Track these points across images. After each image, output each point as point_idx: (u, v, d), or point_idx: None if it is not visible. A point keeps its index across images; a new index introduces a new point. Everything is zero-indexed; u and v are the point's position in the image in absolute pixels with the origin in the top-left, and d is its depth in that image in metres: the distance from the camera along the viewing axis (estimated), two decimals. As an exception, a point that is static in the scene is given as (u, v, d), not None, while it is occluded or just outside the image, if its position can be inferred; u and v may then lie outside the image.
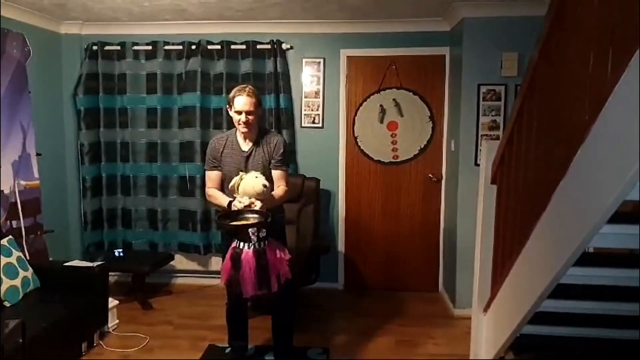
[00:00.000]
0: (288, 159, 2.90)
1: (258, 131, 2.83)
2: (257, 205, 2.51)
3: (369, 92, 4.39)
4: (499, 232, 2.61)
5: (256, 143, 2.80)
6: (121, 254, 4.24)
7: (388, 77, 4.35)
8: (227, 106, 2.80)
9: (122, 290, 4.23)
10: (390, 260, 4.52)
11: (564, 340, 2.42)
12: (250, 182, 2.53)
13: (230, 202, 2.61)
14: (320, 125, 4.43)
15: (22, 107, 3.77)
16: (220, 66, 4.30)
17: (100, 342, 3.38)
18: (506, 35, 3.70)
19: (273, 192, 2.71)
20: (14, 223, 3.66)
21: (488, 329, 2.66)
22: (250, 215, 2.53)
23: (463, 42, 3.77)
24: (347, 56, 4.36)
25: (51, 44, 4.28)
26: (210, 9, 3.86)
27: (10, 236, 3.35)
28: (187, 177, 4.42)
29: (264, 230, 2.57)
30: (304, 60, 4.38)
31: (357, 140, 4.45)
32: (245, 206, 2.51)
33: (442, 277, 4.48)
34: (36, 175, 3.90)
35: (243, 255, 2.57)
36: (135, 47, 4.38)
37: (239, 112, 2.69)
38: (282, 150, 2.80)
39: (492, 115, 3.82)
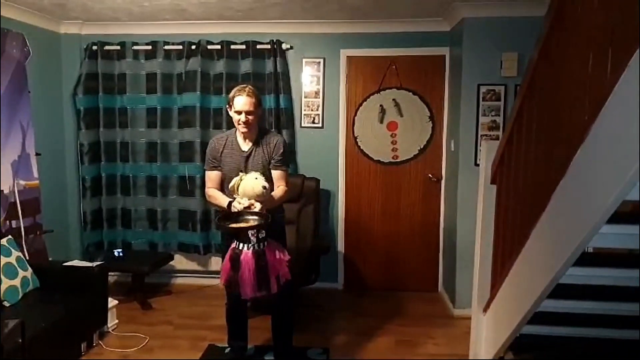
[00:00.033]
0: (288, 159, 2.90)
1: (258, 131, 2.83)
2: (257, 206, 2.51)
3: (368, 92, 4.39)
4: (498, 232, 2.61)
5: (256, 143, 2.80)
6: (121, 254, 4.24)
7: (388, 77, 4.35)
8: (227, 106, 2.80)
9: (121, 290, 4.23)
10: (390, 260, 4.52)
11: (563, 340, 2.43)
12: (250, 184, 2.52)
13: (230, 203, 2.61)
14: (320, 125, 4.43)
15: (22, 107, 3.77)
16: (220, 66, 4.30)
17: (100, 342, 3.38)
18: (506, 35, 3.70)
19: (273, 193, 2.71)
20: (14, 223, 3.66)
21: (488, 329, 2.66)
22: (250, 217, 2.52)
23: (463, 42, 3.77)
24: (347, 56, 4.36)
25: (51, 43, 4.28)
26: (210, 9, 3.86)
27: (10, 236, 3.35)
28: (187, 177, 4.41)
29: (264, 231, 2.57)
30: (304, 60, 4.38)
31: (357, 140, 4.45)
32: (245, 207, 2.51)
33: (441, 277, 4.48)
34: (36, 175, 3.89)
35: (242, 257, 2.58)
36: (135, 47, 4.37)
37: (239, 112, 2.69)
38: (282, 150, 2.80)
39: (492, 116, 3.82)
